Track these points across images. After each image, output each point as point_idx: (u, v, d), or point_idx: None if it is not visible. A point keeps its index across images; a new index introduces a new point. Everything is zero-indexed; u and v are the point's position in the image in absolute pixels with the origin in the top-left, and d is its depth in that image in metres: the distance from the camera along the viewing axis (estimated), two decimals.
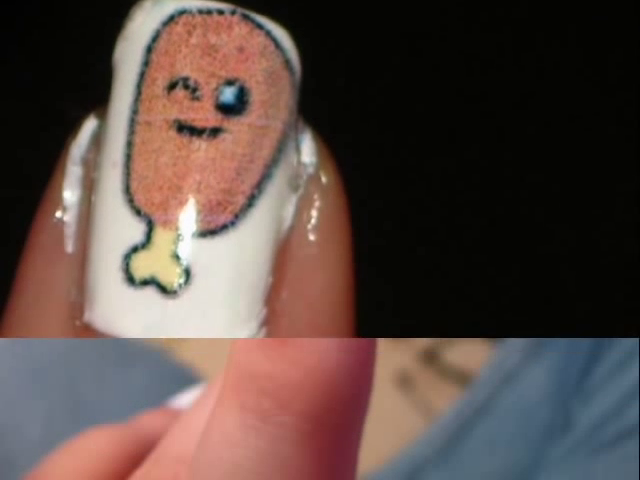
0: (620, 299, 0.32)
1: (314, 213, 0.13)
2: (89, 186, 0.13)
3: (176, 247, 0.12)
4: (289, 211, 0.13)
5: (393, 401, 0.87)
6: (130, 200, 0.12)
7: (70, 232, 0.13)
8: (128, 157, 0.12)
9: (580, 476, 0.33)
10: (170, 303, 0.12)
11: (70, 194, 0.13)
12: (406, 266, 0.31)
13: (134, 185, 0.12)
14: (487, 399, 0.41)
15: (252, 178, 0.12)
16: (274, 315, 0.12)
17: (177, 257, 0.12)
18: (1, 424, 0.32)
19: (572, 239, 0.33)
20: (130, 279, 0.12)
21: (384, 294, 0.29)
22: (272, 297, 0.12)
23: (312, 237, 0.13)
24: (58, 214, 0.13)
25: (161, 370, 0.37)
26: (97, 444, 0.16)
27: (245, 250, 0.12)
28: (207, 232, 0.12)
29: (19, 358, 0.34)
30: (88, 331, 0.12)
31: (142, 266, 0.12)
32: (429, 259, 0.32)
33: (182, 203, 0.12)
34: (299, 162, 0.13)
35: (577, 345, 0.38)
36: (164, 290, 0.12)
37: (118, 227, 0.12)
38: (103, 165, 0.12)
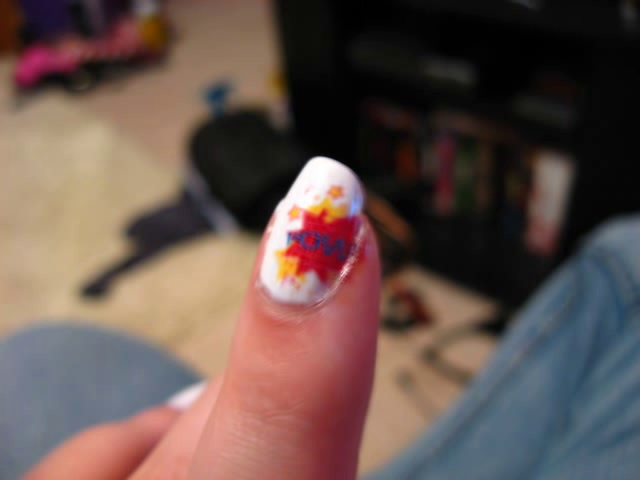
0: None
1: None
2: None
3: None
4: None
5: (393, 400, 0.87)
6: None
7: None
8: None
9: (581, 476, 0.33)
10: None
11: None
12: None
13: None
14: (487, 399, 0.40)
15: None
16: None
17: None
18: (2, 423, 0.32)
19: None
20: None
21: None
22: None
23: None
24: None
25: (161, 370, 0.37)
26: (97, 443, 0.16)
27: None
28: None
29: (19, 358, 0.34)
30: None
31: None
32: None
33: None
34: None
35: (577, 345, 0.38)
36: None
37: None
38: None
